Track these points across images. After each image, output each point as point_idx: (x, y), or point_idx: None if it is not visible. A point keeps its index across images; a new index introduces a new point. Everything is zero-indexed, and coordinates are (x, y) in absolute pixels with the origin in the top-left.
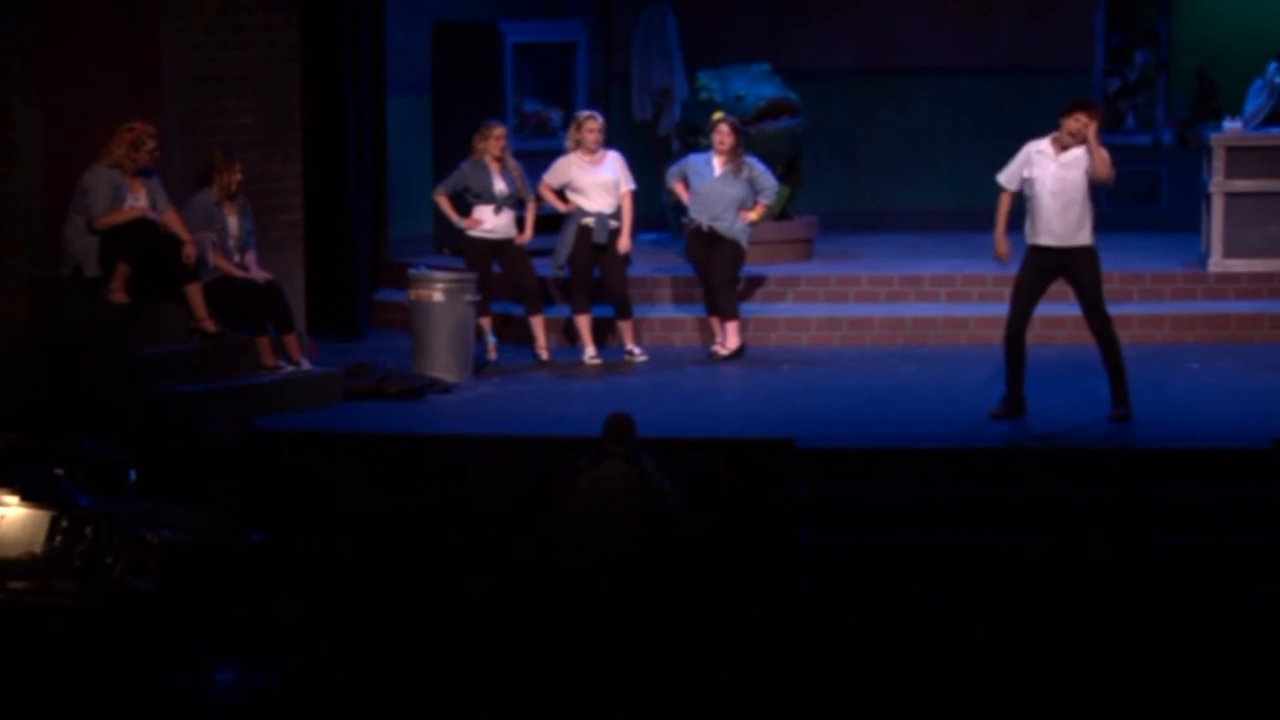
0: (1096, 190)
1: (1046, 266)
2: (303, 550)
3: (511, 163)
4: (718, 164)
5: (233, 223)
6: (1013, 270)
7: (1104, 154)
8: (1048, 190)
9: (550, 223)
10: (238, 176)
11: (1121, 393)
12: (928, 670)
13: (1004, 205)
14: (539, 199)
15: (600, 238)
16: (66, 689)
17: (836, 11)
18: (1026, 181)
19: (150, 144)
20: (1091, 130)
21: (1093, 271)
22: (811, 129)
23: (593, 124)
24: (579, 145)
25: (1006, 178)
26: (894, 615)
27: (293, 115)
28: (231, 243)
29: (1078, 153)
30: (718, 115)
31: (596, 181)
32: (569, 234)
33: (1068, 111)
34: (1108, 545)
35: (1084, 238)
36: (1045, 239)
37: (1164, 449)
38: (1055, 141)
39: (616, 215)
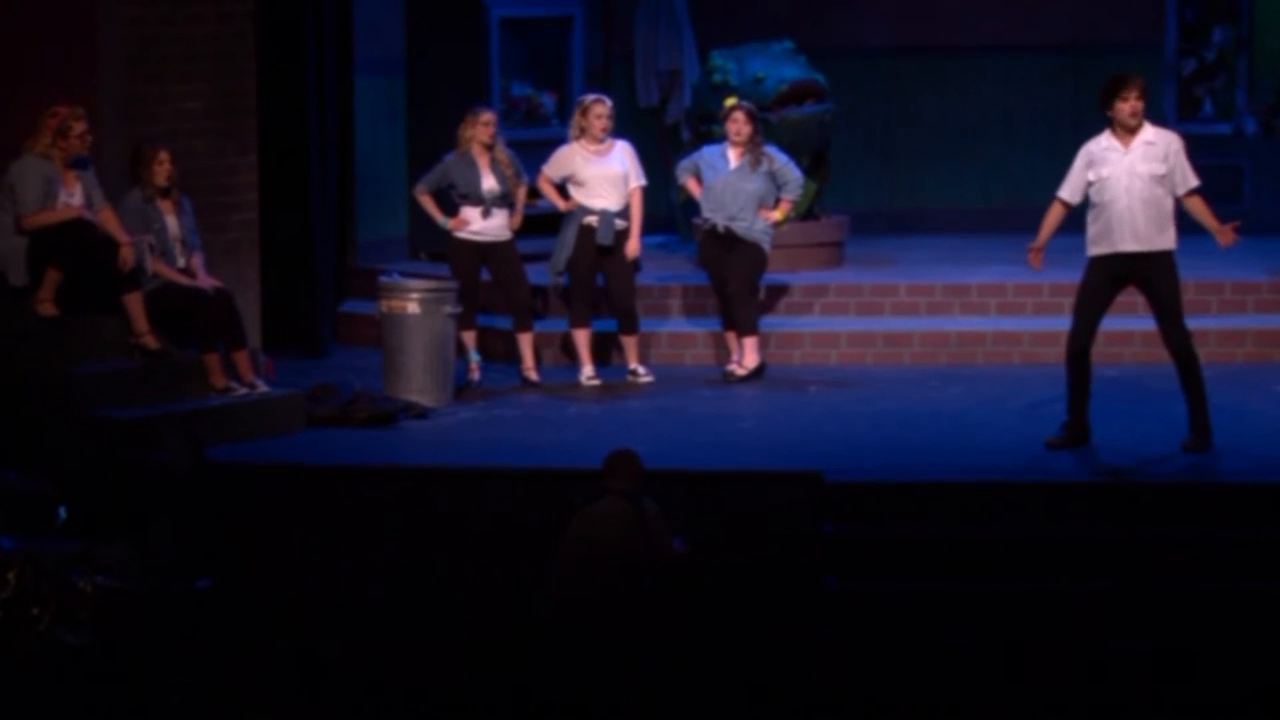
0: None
1: (1117, 275)
2: (256, 598)
3: (503, 154)
4: (733, 156)
5: (171, 222)
6: (1072, 277)
7: (1215, 224)
8: (1123, 188)
9: (547, 224)
10: (166, 168)
11: (1200, 419)
12: None
13: (1053, 216)
14: (534, 192)
15: (605, 239)
16: None
17: None
18: (1094, 186)
19: (79, 128)
20: (1203, 211)
21: (1171, 279)
22: (841, 116)
23: (600, 109)
24: (584, 133)
25: (1069, 190)
26: (933, 671)
27: (247, 100)
28: (173, 245)
29: (1149, 137)
30: (731, 101)
31: (602, 175)
32: (569, 235)
33: (1115, 94)
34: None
35: (1168, 240)
36: (1128, 244)
37: (1246, 484)
38: (1118, 133)
39: (623, 214)
